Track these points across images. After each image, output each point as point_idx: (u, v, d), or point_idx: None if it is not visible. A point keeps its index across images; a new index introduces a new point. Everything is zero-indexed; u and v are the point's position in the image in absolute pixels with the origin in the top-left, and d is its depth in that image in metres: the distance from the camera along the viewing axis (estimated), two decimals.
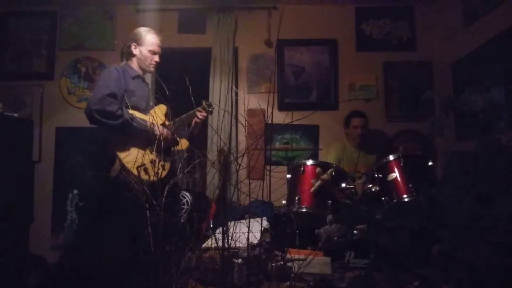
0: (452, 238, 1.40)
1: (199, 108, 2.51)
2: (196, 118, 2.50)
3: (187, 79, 1.52)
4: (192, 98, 1.49)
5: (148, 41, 2.40)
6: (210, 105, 2.57)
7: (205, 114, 2.53)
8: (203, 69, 3.73)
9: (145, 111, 2.34)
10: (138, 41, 2.39)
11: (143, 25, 2.56)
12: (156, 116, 2.31)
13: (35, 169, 3.70)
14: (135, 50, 2.39)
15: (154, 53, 2.42)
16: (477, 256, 1.26)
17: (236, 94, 3.62)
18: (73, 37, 3.85)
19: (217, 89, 3.67)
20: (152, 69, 2.45)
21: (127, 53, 2.43)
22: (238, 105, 3.72)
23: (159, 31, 2.64)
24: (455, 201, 1.51)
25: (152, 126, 2.17)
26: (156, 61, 2.44)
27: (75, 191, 3.70)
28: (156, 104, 2.50)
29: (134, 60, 2.42)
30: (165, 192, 1.16)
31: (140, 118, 2.20)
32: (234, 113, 3.57)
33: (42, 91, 3.80)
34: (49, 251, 3.59)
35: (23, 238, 3.22)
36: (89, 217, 3.57)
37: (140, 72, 2.43)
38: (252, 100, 3.66)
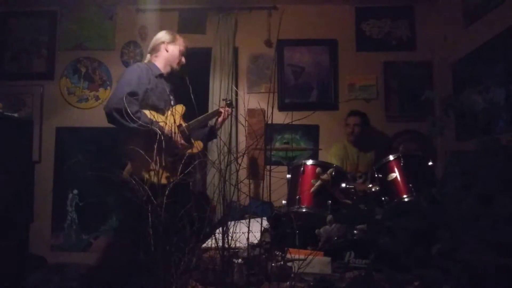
0: (452, 238, 1.40)
1: (220, 108, 2.63)
2: (222, 116, 2.61)
3: (187, 80, 1.53)
4: (193, 98, 1.48)
5: (180, 41, 2.50)
6: (230, 104, 2.70)
7: (228, 109, 2.64)
8: (203, 69, 3.73)
9: (163, 111, 2.35)
10: (171, 39, 2.46)
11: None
12: (172, 117, 2.31)
13: (35, 169, 3.70)
14: (169, 47, 2.44)
15: (182, 54, 2.50)
16: (477, 256, 1.26)
17: (236, 94, 3.62)
18: (73, 37, 3.85)
19: (217, 89, 3.67)
20: (178, 68, 2.51)
21: (156, 50, 2.46)
22: (238, 105, 3.72)
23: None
24: (455, 201, 1.50)
25: (167, 133, 2.18)
26: (183, 62, 2.52)
27: (75, 191, 3.70)
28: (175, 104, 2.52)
29: (160, 58, 2.46)
30: (173, 193, 1.16)
31: (157, 122, 2.20)
32: (234, 113, 3.57)
33: (42, 91, 3.80)
34: (49, 251, 3.60)
35: (23, 238, 3.22)
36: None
37: (163, 71, 2.45)
38: (252, 100, 3.66)
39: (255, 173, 3.52)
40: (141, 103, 2.22)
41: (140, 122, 2.02)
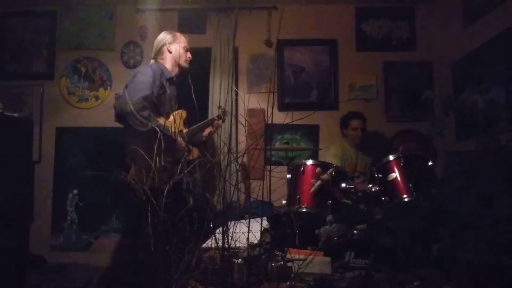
0: (452, 238, 1.40)
1: (215, 117, 2.58)
2: (212, 127, 2.57)
3: (188, 80, 1.53)
4: (194, 99, 1.49)
5: (182, 38, 2.49)
6: (224, 113, 2.65)
7: (220, 123, 2.61)
8: (203, 69, 3.73)
9: (167, 115, 2.35)
10: (172, 39, 2.45)
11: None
12: (175, 123, 2.31)
13: (35, 169, 3.70)
14: (171, 47, 2.43)
15: (186, 49, 2.50)
16: (477, 256, 1.26)
17: (236, 94, 3.62)
18: (73, 37, 3.85)
19: (217, 89, 3.67)
20: (187, 65, 2.50)
21: (160, 53, 2.45)
22: (238, 105, 3.72)
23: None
24: (455, 201, 1.51)
25: (174, 136, 2.18)
26: (190, 58, 2.51)
27: (75, 191, 3.70)
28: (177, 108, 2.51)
29: (166, 60, 2.44)
30: (171, 193, 1.16)
31: (164, 126, 2.20)
32: (234, 113, 3.57)
33: (42, 91, 3.80)
34: (49, 251, 3.60)
35: (23, 238, 3.22)
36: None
37: (172, 74, 2.44)
38: (252, 100, 3.65)
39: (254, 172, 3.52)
40: (152, 109, 2.21)
41: (149, 128, 2.00)
